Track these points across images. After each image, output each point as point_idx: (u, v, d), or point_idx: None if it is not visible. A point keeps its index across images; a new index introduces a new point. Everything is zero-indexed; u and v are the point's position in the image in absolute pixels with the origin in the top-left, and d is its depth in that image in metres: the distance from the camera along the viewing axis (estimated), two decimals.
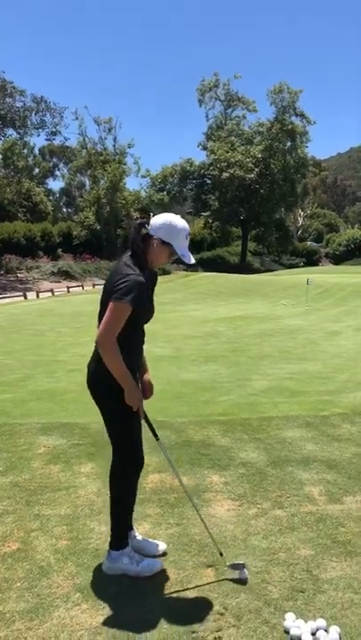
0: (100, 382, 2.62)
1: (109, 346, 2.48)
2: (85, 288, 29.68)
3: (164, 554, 2.87)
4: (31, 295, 25.28)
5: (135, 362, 2.71)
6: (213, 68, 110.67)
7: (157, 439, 2.78)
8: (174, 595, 2.56)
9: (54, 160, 71.97)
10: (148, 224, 2.63)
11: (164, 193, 49.16)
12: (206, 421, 5.05)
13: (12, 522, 3.23)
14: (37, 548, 2.96)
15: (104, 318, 2.50)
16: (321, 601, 2.52)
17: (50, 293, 26.25)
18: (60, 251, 41.96)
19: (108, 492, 2.80)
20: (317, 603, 2.50)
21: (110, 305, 2.47)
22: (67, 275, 34.30)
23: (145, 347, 2.84)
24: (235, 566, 2.68)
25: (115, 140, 43.92)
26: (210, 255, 48.33)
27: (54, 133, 36.12)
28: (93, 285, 30.92)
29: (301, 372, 7.25)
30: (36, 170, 62.41)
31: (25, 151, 40.66)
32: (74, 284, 30.64)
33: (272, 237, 51.91)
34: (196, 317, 14.43)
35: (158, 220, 2.63)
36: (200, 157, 51.74)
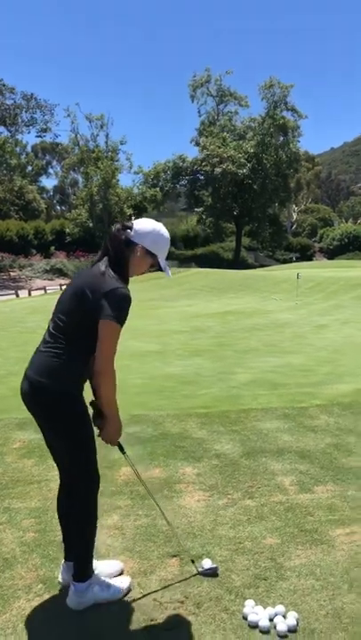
0: (64, 402, 2.31)
1: (112, 372, 2.26)
2: None
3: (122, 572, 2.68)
4: (23, 293, 25.24)
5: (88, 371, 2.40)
6: (205, 64, 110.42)
7: (124, 453, 2.58)
8: (136, 585, 2.56)
9: (47, 158, 71.81)
10: (131, 228, 2.36)
11: (157, 189, 49.10)
12: (185, 414, 5.05)
13: None
14: (4, 540, 2.96)
15: (102, 343, 2.21)
16: (282, 588, 2.53)
17: (42, 291, 26.23)
18: (52, 248, 41.91)
19: (73, 520, 2.50)
20: (279, 590, 2.51)
21: (106, 325, 2.19)
22: (60, 272, 34.32)
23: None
24: (206, 571, 2.62)
25: (107, 136, 43.82)
26: (204, 251, 48.36)
27: (45, 130, 36.08)
28: None
29: (285, 365, 7.26)
30: (29, 167, 62.23)
31: (17, 149, 40.53)
32: (66, 282, 30.57)
33: (266, 232, 51.99)
34: (188, 313, 14.44)
35: (145, 226, 2.38)
36: (193, 153, 51.66)
